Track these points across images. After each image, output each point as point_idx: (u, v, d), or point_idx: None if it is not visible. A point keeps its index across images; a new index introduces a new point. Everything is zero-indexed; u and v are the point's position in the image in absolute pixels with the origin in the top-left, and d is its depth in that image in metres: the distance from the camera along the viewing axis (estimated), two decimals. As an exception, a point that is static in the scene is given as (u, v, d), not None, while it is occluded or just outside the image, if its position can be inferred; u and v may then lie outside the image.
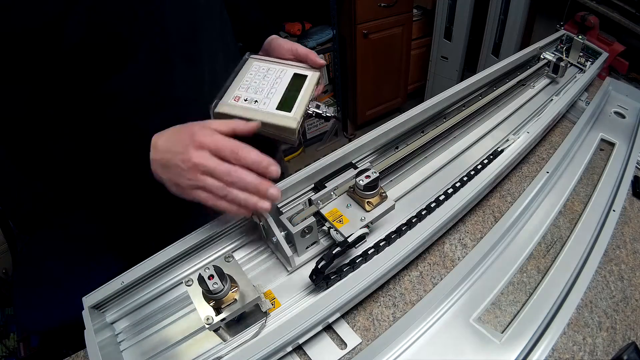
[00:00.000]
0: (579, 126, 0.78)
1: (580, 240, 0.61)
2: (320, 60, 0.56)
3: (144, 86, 0.52)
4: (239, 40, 0.72)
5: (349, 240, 0.47)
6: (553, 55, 0.90)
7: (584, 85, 0.87)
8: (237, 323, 0.46)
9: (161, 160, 0.43)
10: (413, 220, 0.54)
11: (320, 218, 0.52)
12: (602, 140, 0.83)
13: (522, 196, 0.64)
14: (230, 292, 0.42)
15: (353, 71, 2.19)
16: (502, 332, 0.49)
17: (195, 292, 0.42)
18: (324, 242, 0.55)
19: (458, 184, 0.61)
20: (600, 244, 0.60)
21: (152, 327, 0.49)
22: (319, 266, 0.46)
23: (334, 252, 0.46)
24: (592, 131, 0.84)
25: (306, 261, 0.53)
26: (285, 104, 0.52)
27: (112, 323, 0.50)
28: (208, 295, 0.41)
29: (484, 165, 0.64)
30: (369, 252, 0.50)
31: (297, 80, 0.56)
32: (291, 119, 0.50)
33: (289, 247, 0.50)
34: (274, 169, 0.44)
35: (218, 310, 0.41)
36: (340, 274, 0.48)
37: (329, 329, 0.50)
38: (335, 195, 0.53)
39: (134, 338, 0.48)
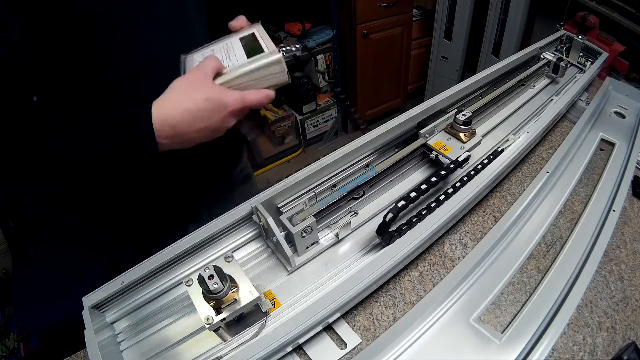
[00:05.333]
0: (579, 126, 0.78)
1: (580, 240, 0.61)
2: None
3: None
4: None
5: (459, 159, 0.59)
6: (553, 55, 0.90)
7: (584, 85, 0.87)
8: (237, 323, 0.46)
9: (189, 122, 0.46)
10: (413, 220, 0.54)
11: (426, 149, 0.64)
12: (602, 140, 0.83)
13: (522, 196, 0.64)
14: (230, 292, 0.42)
15: (353, 71, 2.19)
16: (502, 332, 0.49)
17: (195, 292, 0.42)
18: (324, 242, 0.55)
19: (458, 184, 0.61)
20: (600, 244, 0.60)
21: (152, 327, 0.49)
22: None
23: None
24: (592, 131, 0.84)
25: (306, 261, 0.53)
26: (253, 50, 0.51)
27: (112, 323, 0.50)
28: (208, 295, 0.41)
29: (484, 165, 0.64)
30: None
31: (248, 39, 0.54)
32: (270, 54, 0.50)
33: (289, 247, 0.50)
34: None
35: (218, 310, 0.41)
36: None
37: (329, 329, 0.50)
38: (437, 131, 0.65)
39: (134, 338, 0.48)
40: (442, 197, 0.58)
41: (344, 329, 0.50)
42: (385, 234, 0.50)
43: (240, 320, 0.46)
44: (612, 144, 0.82)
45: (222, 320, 0.41)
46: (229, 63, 0.50)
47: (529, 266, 0.58)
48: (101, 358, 0.42)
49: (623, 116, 0.90)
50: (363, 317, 0.52)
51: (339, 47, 2.08)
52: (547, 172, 0.68)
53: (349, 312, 0.52)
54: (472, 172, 0.63)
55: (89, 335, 0.44)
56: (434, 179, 0.56)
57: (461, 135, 0.63)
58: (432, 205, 0.57)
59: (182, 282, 0.51)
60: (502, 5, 1.88)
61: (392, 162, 0.60)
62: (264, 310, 0.46)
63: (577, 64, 0.95)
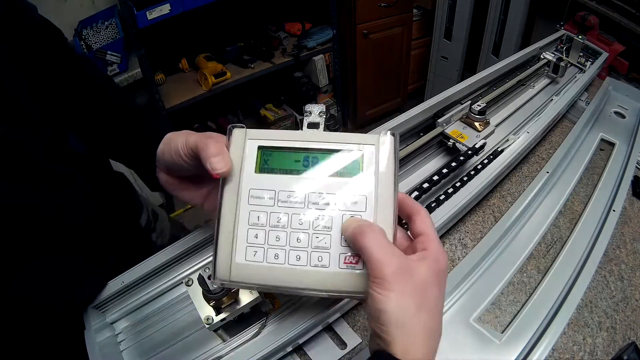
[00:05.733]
0: (579, 126, 0.78)
1: (580, 240, 0.61)
2: (217, 166, 0.32)
3: None
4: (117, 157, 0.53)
5: (476, 146, 0.63)
6: (553, 55, 0.90)
7: (584, 85, 0.87)
8: (237, 323, 0.46)
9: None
10: (413, 220, 0.54)
11: (443, 137, 0.67)
12: (602, 140, 0.83)
13: (522, 196, 0.64)
14: (230, 292, 0.42)
15: (353, 71, 2.19)
16: (502, 332, 0.49)
17: (195, 292, 0.42)
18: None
19: (458, 184, 0.61)
20: (600, 244, 0.60)
21: (152, 327, 0.49)
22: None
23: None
24: (592, 131, 0.84)
25: (306, 261, 0.53)
26: (346, 166, 0.33)
27: (112, 323, 0.50)
28: (208, 295, 0.41)
29: (484, 165, 0.64)
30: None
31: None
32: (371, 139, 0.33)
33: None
34: None
35: (218, 310, 0.41)
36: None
37: (329, 329, 0.50)
38: (453, 120, 0.69)
39: (134, 338, 0.48)
40: (442, 197, 0.58)
41: (344, 329, 0.50)
42: None
43: (240, 320, 0.46)
44: (612, 144, 0.81)
45: (222, 320, 0.41)
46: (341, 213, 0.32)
47: (529, 266, 0.58)
48: (101, 358, 0.42)
49: (623, 116, 0.90)
50: (363, 317, 0.52)
51: (339, 47, 2.08)
52: (547, 172, 0.68)
53: (349, 312, 0.52)
54: (472, 172, 0.63)
55: (89, 335, 0.44)
56: (454, 163, 0.61)
57: (476, 124, 0.67)
58: (432, 205, 0.57)
59: (182, 282, 0.51)
60: (502, 5, 1.88)
61: (412, 150, 0.63)
62: (264, 310, 0.46)
63: (577, 64, 0.95)
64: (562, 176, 0.73)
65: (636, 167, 0.75)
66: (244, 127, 0.34)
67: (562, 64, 0.86)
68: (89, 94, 0.50)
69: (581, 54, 0.95)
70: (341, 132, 0.38)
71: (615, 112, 0.90)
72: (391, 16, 2.09)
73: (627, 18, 1.46)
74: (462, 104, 0.70)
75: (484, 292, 0.54)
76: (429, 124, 0.69)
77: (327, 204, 0.32)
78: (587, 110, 0.83)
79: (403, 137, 0.67)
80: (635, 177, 0.74)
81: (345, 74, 2.22)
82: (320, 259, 0.31)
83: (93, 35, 1.53)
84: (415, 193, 0.57)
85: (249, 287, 0.34)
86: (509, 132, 0.75)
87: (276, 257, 0.32)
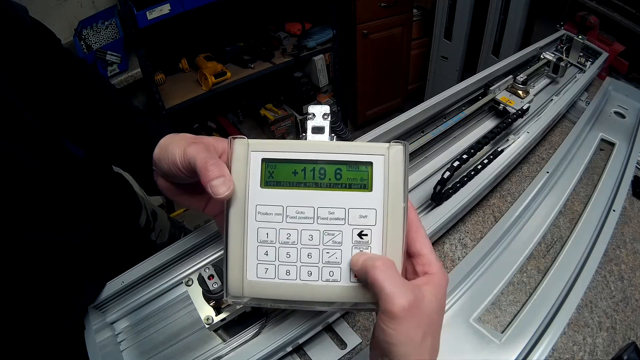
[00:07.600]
0: (579, 126, 0.78)
1: (580, 240, 0.61)
2: (218, 190, 0.31)
3: None
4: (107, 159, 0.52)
5: (524, 109, 0.72)
6: (553, 55, 0.90)
7: (584, 85, 0.87)
8: (237, 323, 0.46)
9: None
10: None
11: (494, 103, 0.77)
12: (602, 140, 0.83)
13: (522, 196, 0.64)
14: (230, 292, 0.42)
15: (353, 71, 2.19)
16: (502, 332, 0.49)
17: (195, 292, 0.42)
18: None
19: (458, 184, 0.61)
20: (600, 244, 0.60)
21: (152, 327, 0.49)
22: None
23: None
24: (592, 131, 0.84)
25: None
26: (353, 177, 0.32)
27: (112, 323, 0.50)
28: (208, 295, 0.41)
29: (484, 165, 0.64)
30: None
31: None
32: (376, 150, 0.32)
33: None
34: None
35: (218, 310, 0.41)
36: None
37: (329, 329, 0.50)
38: (500, 90, 0.79)
39: (134, 338, 0.48)
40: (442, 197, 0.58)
41: (344, 329, 0.50)
42: (445, 187, 0.58)
43: (240, 320, 0.46)
44: (612, 144, 0.81)
45: (222, 320, 0.41)
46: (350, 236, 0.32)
47: (529, 266, 0.58)
48: (101, 358, 0.42)
49: (623, 116, 0.90)
50: (363, 317, 0.52)
51: (339, 47, 2.08)
52: (547, 172, 0.68)
53: (349, 312, 0.52)
54: (472, 172, 0.63)
55: (89, 335, 0.44)
56: (509, 120, 0.71)
57: (520, 92, 0.78)
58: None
59: (182, 282, 0.51)
60: (502, 6, 1.88)
61: (465, 116, 0.71)
62: (264, 310, 0.46)
63: (577, 64, 0.95)
64: (562, 176, 0.73)
65: (636, 167, 0.75)
66: (245, 138, 0.33)
67: (562, 64, 0.86)
68: (83, 97, 0.49)
69: (581, 54, 0.95)
70: (348, 132, 0.37)
71: (615, 112, 0.90)
72: (391, 16, 2.09)
73: (627, 18, 1.46)
74: (505, 77, 0.81)
75: (484, 292, 0.54)
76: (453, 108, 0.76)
77: (336, 218, 0.32)
78: (587, 110, 0.83)
79: (452, 108, 0.75)
80: (635, 177, 0.74)
81: (345, 74, 2.22)
82: (331, 273, 0.32)
83: (93, 35, 1.53)
84: (464, 156, 0.61)
85: (262, 303, 0.34)
86: (509, 132, 0.75)
87: (287, 274, 0.32)
